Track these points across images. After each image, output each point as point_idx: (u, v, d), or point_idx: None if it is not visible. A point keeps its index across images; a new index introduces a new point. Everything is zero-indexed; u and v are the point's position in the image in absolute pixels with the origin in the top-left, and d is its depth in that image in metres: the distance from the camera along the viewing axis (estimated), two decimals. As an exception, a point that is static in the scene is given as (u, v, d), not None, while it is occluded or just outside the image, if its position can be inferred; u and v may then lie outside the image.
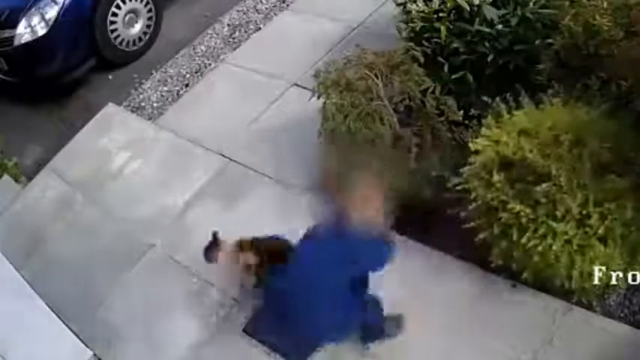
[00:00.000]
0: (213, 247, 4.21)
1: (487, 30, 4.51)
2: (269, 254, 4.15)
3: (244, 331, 4.52)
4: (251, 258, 4.16)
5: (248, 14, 7.14)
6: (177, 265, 5.00)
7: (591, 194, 3.57)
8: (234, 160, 5.59)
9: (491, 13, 4.51)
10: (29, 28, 6.49)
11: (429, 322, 4.20)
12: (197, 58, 6.86)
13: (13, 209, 5.88)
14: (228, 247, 4.18)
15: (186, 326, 4.66)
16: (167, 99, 6.54)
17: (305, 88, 5.58)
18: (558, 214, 3.59)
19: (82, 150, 6.24)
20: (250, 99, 6.08)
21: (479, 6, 4.52)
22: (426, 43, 4.66)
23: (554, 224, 3.59)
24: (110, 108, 6.58)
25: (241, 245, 4.19)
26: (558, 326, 3.95)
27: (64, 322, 4.65)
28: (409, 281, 4.41)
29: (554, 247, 3.59)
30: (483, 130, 3.93)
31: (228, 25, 7.11)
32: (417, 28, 4.68)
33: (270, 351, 4.36)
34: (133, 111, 6.54)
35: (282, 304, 3.49)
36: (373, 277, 3.80)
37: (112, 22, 6.84)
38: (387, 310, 4.18)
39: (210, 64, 6.74)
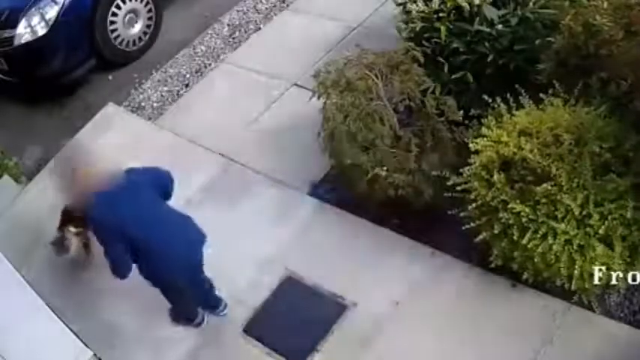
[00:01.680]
0: (58, 245, 4.87)
1: (487, 30, 4.52)
2: (69, 217, 4.82)
3: (244, 331, 4.52)
4: (72, 229, 4.83)
5: (248, 14, 7.13)
6: (178, 265, 4.99)
7: (592, 194, 3.57)
8: (234, 160, 5.59)
9: (491, 13, 4.52)
10: (29, 28, 6.48)
11: (429, 322, 4.20)
12: (197, 58, 6.86)
13: (13, 209, 5.87)
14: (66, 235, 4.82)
15: (186, 326, 4.66)
16: (167, 99, 6.54)
17: (305, 88, 5.59)
18: (559, 214, 3.60)
19: (82, 150, 6.24)
20: (250, 99, 6.08)
21: (479, 6, 4.53)
22: (426, 43, 4.66)
23: (555, 224, 3.59)
24: (110, 108, 6.58)
25: (61, 228, 4.88)
26: (558, 326, 3.95)
27: (64, 322, 4.65)
28: (409, 281, 4.41)
29: (554, 247, 3.60)
30: (483, 130, 3.93)
31: (228, 25, 7.10)
32: (417, 28, 4.69)
33: (270, 351, 4.37)
34: (133, 111, 6.53)
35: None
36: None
37: (112, 22, 6.84)
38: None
39: (210, 64, 6.74)
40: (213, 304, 4.56)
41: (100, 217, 3.86)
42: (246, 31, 6.95)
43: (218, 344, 4.53)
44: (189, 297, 4.43)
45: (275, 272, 4.72)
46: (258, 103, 5.99)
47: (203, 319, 4.57)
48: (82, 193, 3.86)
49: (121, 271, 4.00)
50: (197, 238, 4.13)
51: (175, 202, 5.37)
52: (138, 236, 3.85)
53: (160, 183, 4.17)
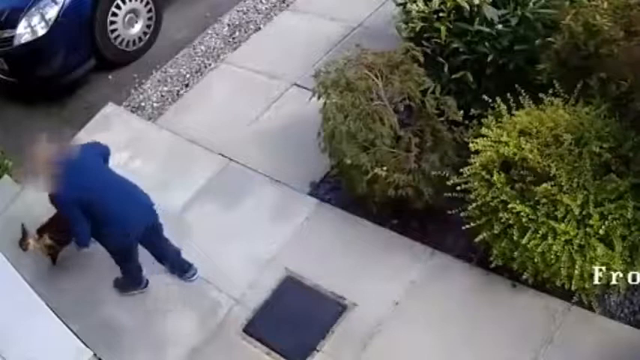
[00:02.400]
0: (23, 238, 5.02)
1: (487, 30, 4.52)
2: (51, 230, 5.05)
3: (244, 331, 4.52)
4: (47, 240, 5.06)
5: (248, 14, 7.13)
6: (178, 265, 5.00)
7: (592, 194, 3.57)
8: (234, 160, 5.59)
9: (491, 13, 4.52)
10: (29, 28, 6.47)
11: (429, 322, 4.20)
12: (197, 58, 6.86)
13: (12, 209, 5.87)
14: (33, 235, 5.05)
15: (186, 326, 4.66)
16: (167, 99, 6.54)
17: (305, 88, 5.59)
18: (559, 214, 3.60)
19: (82, 150, 6.24)
20: (250, 99, 6.08)
21: (479, 6, 4.53)
22: (426, 43, 4.66)
23: (555, 224, 3.59)
24: (110, 108, 6.58)
25: (40, 232, 5.08)
26: (558, 326, 3.95)
27: (64, 322, 4.65)
28: (409, 281, 4.42)
29: (554, 247, 3.60)
30: (483, 130, 3.93)
31: (228, 25, 7.10)
32: (417, 28, 4.69)
33: (270, 351, 4.37)
34: (132, 111, 6.53)
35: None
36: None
37: (112, 22, 6.83)
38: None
39: (210, 64, 6.73)
40: (183, 268, 4.85)
41: (62, 189, 4.26)
42: (246, 31, 6.95)
43: (218, 344, 4.53)
44: (137, 263, 4.77)
45: (275, 272, 4.72)
46: (258, 103, 5.99)
47: (147, 283, 4.90)
48: (46, 171, 4.25)
49: (83, 239, 4.44)
50: (148, 201, 4.55)
51: (175, 202, 5.41)
52: (96, 200, 4.26)
53: (104, 154, 4.65)
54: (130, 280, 4.88)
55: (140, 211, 4.52)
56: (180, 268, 4.84)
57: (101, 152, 4.63)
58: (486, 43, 4.51)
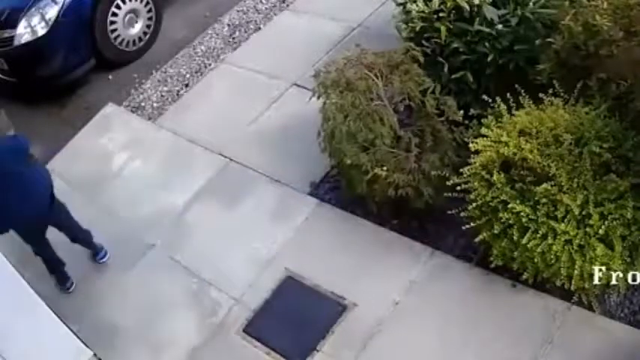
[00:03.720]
0: None
1: (487, 30, 4.52)
2: None
3: (244, 331, 4.52)
4: None
5: (248, 14, 7.14)
6: (177, 265, 5.00)
7: (592, 194, 3.57)
8: (234, 160, 5.60)
9: (491, 13, 4.52)
10: (29, 28, 6.48)
11: (429, 322, 4.21)
12: (197, 58, 6.86)
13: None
14: None
15: (186, 326, 4.66)
16: (167, 99, 6.54)
17: (305, 88, 5.59)
18: (559, 214, 3.60)
19: (82, 150, 6.24)
20: (250, 99, 6.08)
21: (479, 6, 4.53)
22: (426, 43, 4.66)
23: (555, 224, 3.59)
24: (110, 108, 6.59)
25: None
26: (558, 326, 3.95)
27: (64, 322, 4.65)
28: (409, 281, 4.42)
29: (554, 247, 3.60)
30: (483, 130, 3.93)
31: (228, 25, 7.11)
32: (417, 28, 4.69)
33: (270, 350, 4.37)
34: (133, 111, 6.53)
35: None
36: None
37: (112, 22, 6.84)
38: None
39: (210, 64, 6.74)
40: (95, 250, 5.19)
41: None
42: (246, 31, 6.96)
43: (218, 344, 4.53)
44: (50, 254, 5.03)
45: (275, 272, 4.72)
46: (258, 103, 5.99)
47: (72, 285, 5.12)
48: None
49: None
50: (46, 189, 4.75)
51: (175, 202, 5.41)
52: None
53: (15, 149, 4.69)
54: (50, 271, 5.08)
55: (28, 204, 4.68)
56: (93, 249, 5.17)
57: (12, 148, 4.72)
58: (486, 43, 4.51)
